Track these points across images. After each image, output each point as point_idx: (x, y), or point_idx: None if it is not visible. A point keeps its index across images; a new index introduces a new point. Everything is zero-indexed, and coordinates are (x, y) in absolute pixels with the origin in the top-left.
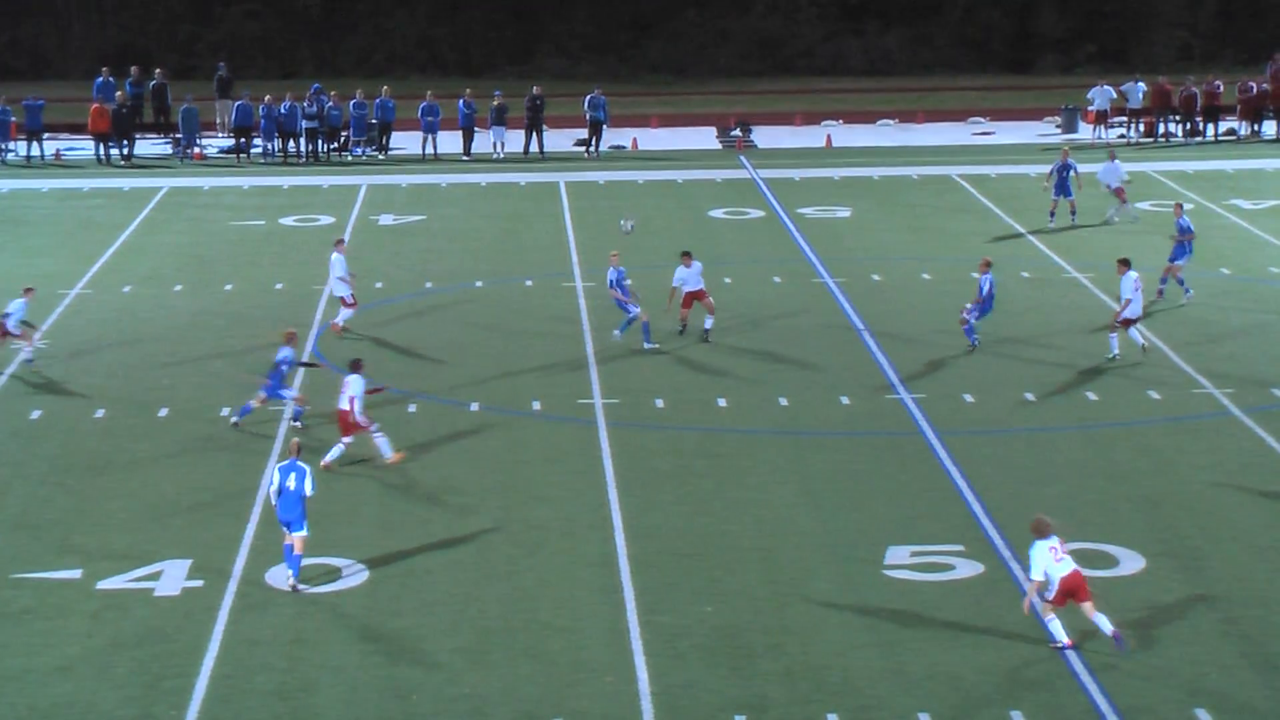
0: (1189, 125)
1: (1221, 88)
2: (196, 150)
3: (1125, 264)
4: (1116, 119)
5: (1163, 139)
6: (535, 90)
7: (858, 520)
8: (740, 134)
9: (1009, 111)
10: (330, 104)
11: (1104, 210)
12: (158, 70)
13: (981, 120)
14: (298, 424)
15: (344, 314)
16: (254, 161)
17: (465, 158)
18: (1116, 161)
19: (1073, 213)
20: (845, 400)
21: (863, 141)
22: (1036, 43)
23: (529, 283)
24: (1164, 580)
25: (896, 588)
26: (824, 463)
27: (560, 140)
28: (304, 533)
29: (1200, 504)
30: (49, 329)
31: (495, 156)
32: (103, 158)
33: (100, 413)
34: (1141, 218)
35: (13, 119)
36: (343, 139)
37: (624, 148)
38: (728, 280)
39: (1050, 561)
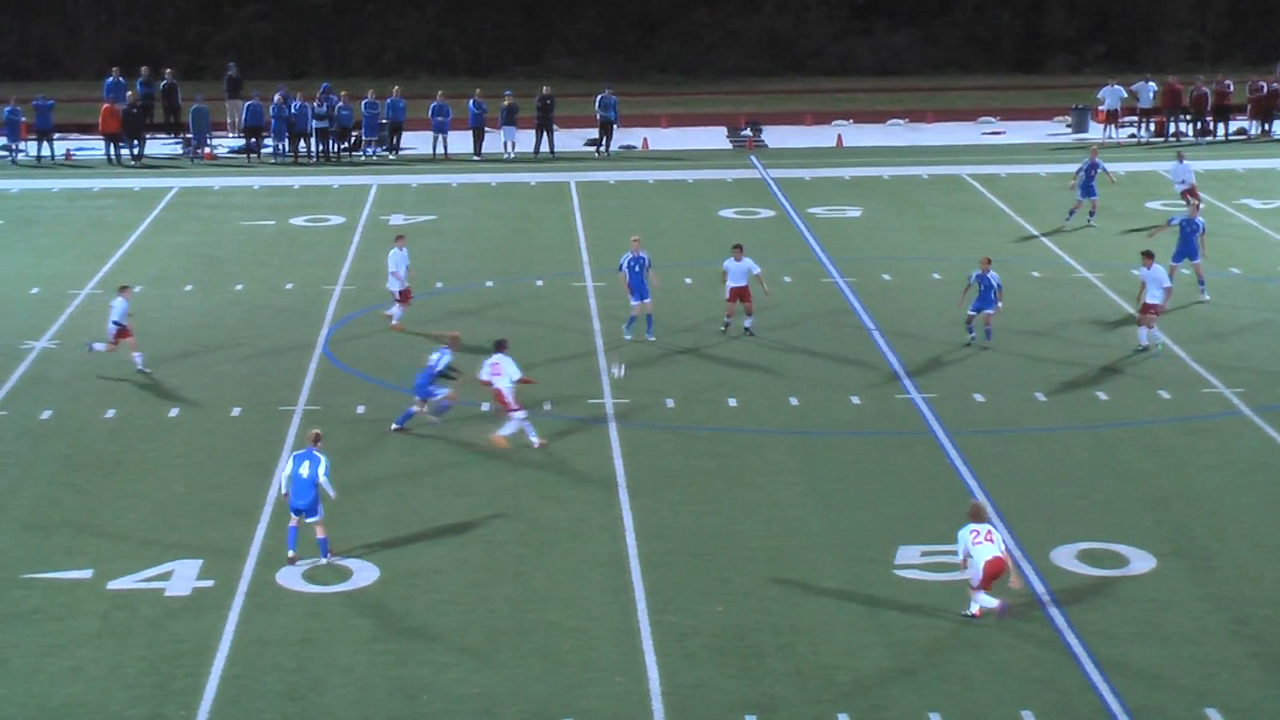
0: (1199, 125)
1: (1232, 87)
2: (207, 150)
3: (1149, 257)
4: (1127, 119)
5: (1173, 138)
6: (545, 90)
7: (868, 520)
8: (750, 134)
9: (1019, 111)
10: (340, 104)
11: (1117, 209)
12: (168, 70)
13: (991, 120)
14: (435, 420)
15: (397, 311)
16: (264, 161)
17: (475, 158)
18: (1185, 162)
19: (1091, 214)
20: (855, 400)
21: (873, 141)
22: (1046, 42)
23: (539, 283)
24: (1174, 580)
25: (907, 587)
26: (834, 462)
27: (570, 140)
28: (320, 516)
29: (1210, 503)
30: (59, 329)
31: (505, 156)
32: (113, 158)
33: (110, 412)
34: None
35: (23, 119)
36: (354, 139)
37: (634, 147)
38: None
39: (969, 543)
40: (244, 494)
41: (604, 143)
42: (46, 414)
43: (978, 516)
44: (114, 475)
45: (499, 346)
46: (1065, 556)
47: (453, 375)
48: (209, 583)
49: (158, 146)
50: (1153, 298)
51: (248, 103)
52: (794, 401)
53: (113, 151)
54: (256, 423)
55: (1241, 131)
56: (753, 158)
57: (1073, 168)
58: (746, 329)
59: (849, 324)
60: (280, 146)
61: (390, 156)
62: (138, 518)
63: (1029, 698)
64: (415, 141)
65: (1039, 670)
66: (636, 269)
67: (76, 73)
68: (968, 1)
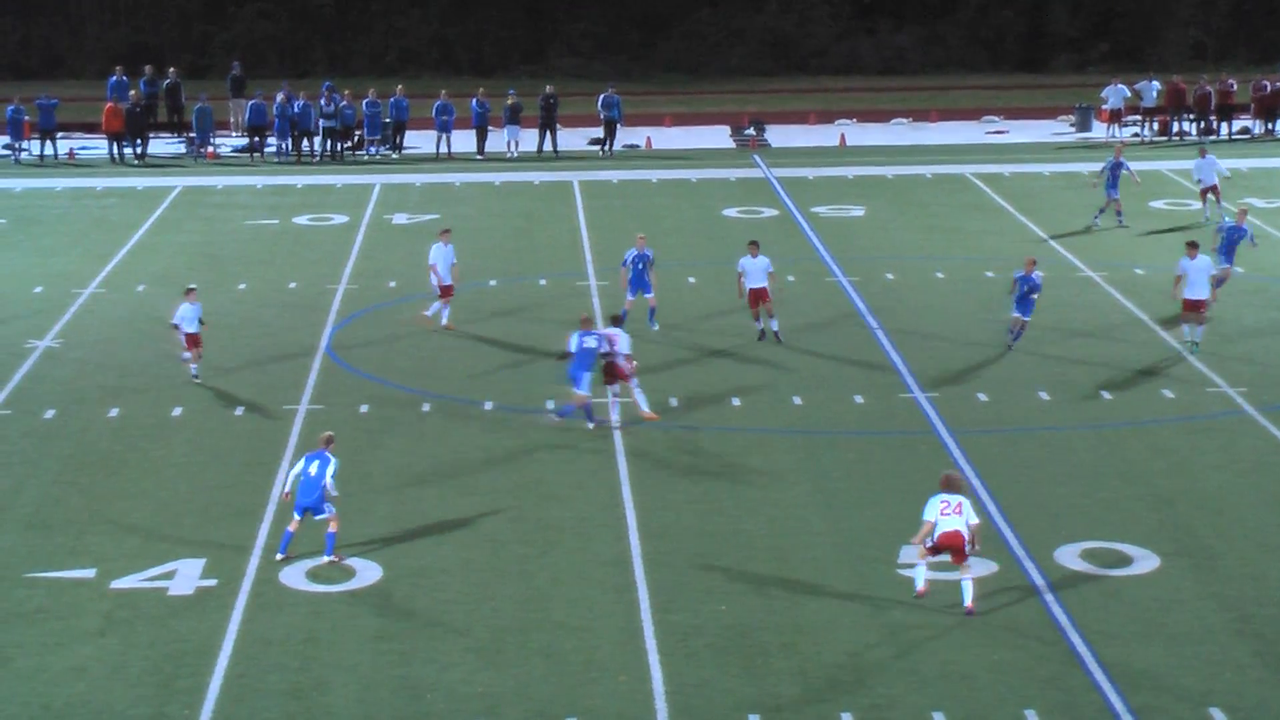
0: (1203, 124)
1: (1235, 86)
2: (210, 149)
3: (1194, 247)
4: (1130, 118)
5: (1177, 137)
6: (549, 89)
7: (871, 519)
8: (754, 133)
9: (1023, 110)
10: (344, 103)
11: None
12: (171, 70)
13: (995, 119)
14: (558, 419)
15: (443, 309)
16: (267, 161)
17: (479, 157)
18: (1211, 156)
19: (1119, 213)
20: (859, 399)
21: (876, 140)
22: (1050, 42)
23: (543, 282)
24: (1178, 579)
25: (910, 587)
26: (837, 462)
27: (574, 139)
28: (330, 513)
29: (1214, 503)
30: (62, 328)
31: (509, 156)
32: (116, 157)
33: (114, 412)
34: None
35: (26, 118)
36: (357, 138)
37: (638, 147)
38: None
39: (938, 512)
40: (247, 493)
41: (608, 142)
42: (50, 413)
43: (950, 486)
44: (117, 474)
45: (616, 321)
46: (1069, 555)
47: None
48: (213, 582)
49: (161, 146)
50: (1198, 293)
51: (251, 102)
52: (798, 401)
53: (116, 151)
54: (260, 422)
55: (1245, 131)
56: (756, 157)
57: (1077, 167)
58: (775, 333)
59: (853, 323)
60: (283, 146)
61: (393, 156)
62: (141, 517)
63: (1032, 697)
64: (418, 141)
65: (1042, 669)
66: (640, 266)
67: (80, 72)
68: (971, 1)
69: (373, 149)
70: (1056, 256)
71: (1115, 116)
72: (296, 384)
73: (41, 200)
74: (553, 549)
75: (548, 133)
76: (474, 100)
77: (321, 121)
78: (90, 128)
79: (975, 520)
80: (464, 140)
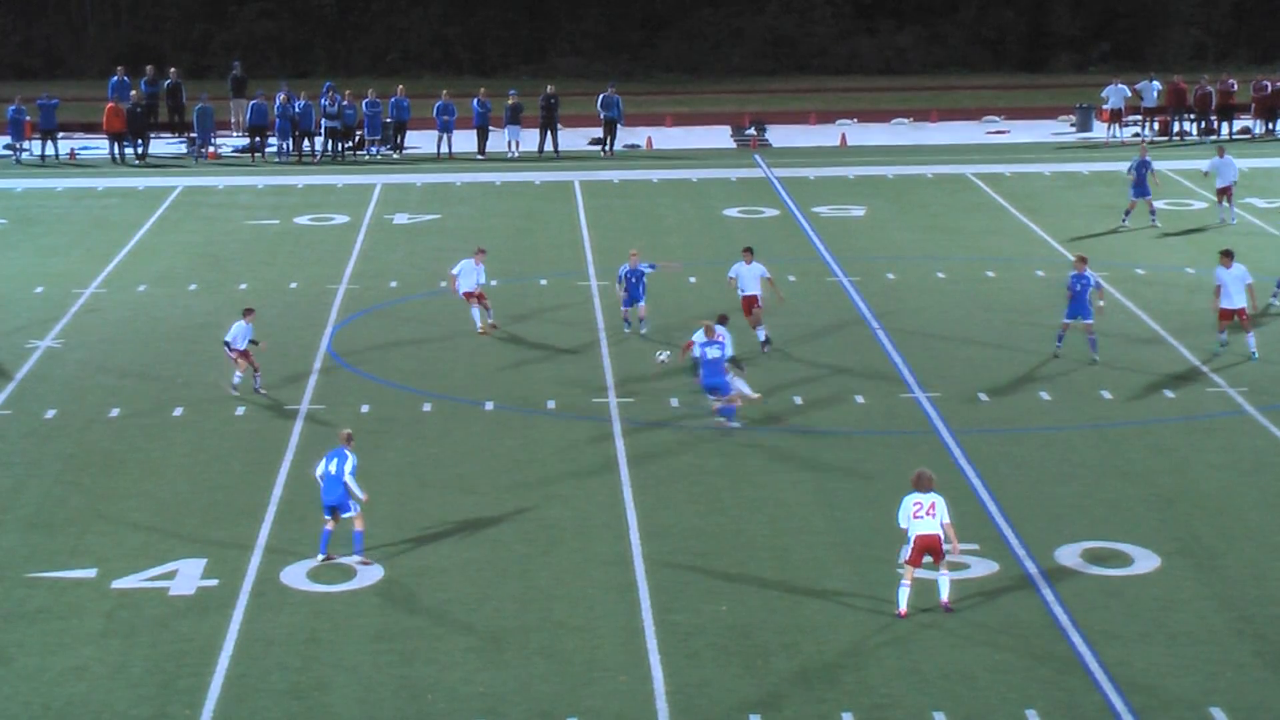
0: (1204, 124)
1: (1236, 86)
2: (211, 149)
3: (1229, 256)
4: (1131, 117)
5: (1177, 137)
6: (550, 89)
7: (872, 519)
8: (755, 133)
9: (1023, 110)
10: (345, 103)
11: (1120, 208)
12: (172, 70)
13: (996, 119)
14: (732, 424)
15: (484, 312)
16: (268, 161)
17: (480, 157)
18: (1229, 156)
19: (1152, 213)
20: (860, 399)
21: (877, 140)
22: (1051, 41)
23: (543, 282)
24: (1178, 579)
25: (911, 586)
26: (838, 461)
27: (575, 139)
28: (355, 511)
29: (1215, 502)
30: (63, 328)
31: (510, 156)
32: (117, 157)
33: (115, 412)
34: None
35: (27, 118)
36: (358, 138)
37: (639, 147)
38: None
39: (909, 516)
40: (248, 493)
41: (608, 142)
42: (51, 413)
43: (922, 485)
44: (118, 474)
45: (722, 320)
46: (1070, 555)
47: (740, 364)
48: (214, 582)
49: (162, 146)
50: (1234, 301)
51: (252, 102)
52: (798, 400)
53: (117, 151)
54: (261, 422)
55: (1245, 131)
56: (757, 157)
57: (1077, 167)
58: (762, 342)
59: (853, 323)
60: (284, 146)
61: (394, 156)
62: (142, 517)
63: (1033, 696)
64: (419, 141)
65: (1043, 669)
66: (633, 280)
67: (81, 72)
68: (972, 1)
69: (374, 149)
70: (1057, 256)
71: (1116, 116)
72: (298, 384)
73: (42, 200)
74: (554, 549)
75: (548, 133)
76: (475, 100)
77: (323, 121)
78: (91, 128)
79: (947, 520)
80: (465, 140)
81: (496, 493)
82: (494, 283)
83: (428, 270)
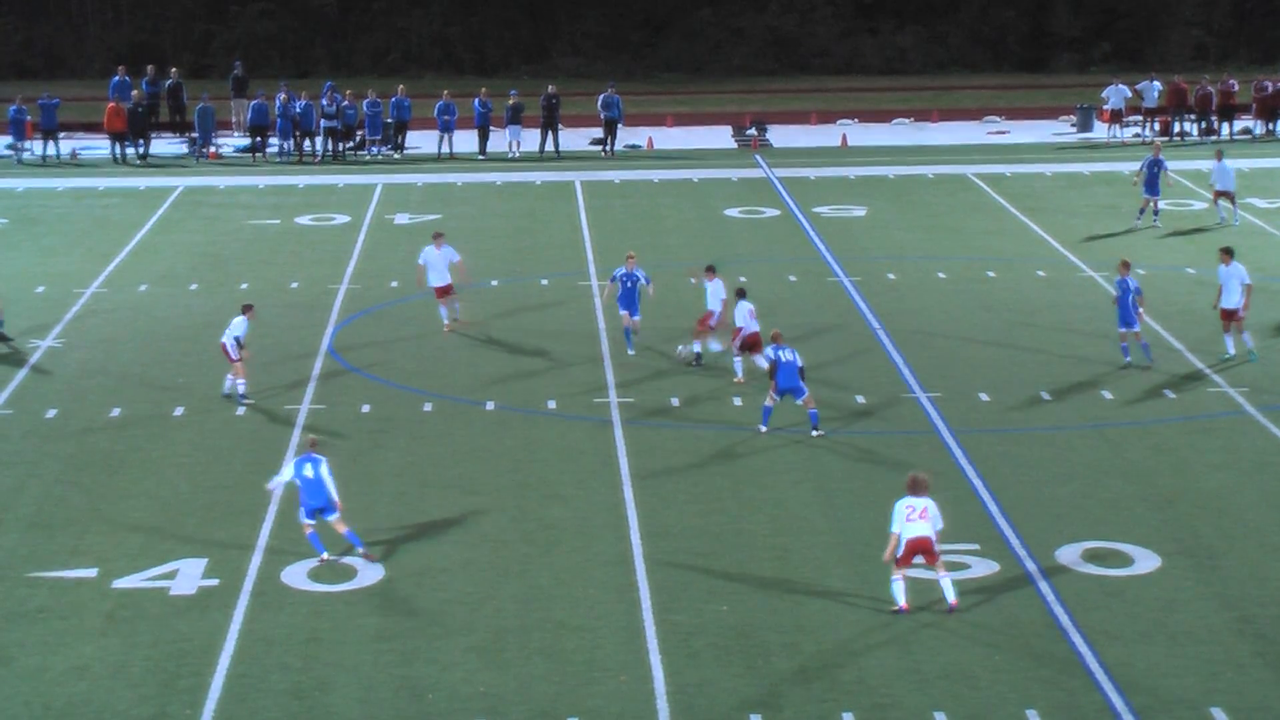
0: (1204, 124)
1: (1237, 86)
2: (212, 149)
3: (1229, 254)
4: (1132, 118)
5: (1178, 138)
6: (551, 89)
7: (873, 519)
8: (755, 133)
9: (1024, 110)
10: (345, 103)
11: (1123, 208)
12: (173, 70)
13: (997, 119)
14: (816, 432)
15: (441, 309)
16: (269, 160)
17: (481, 157)
18: (1225, 161)
19: (1155, 213)
20: (860, 399)
21: (878, 140)
22: (1051, 42)
23: (544, 282)
24: (1179, 579)
25: (912, 586)
26: (839, 461)
27: (576, 139)
28: (338, 514)
29: (1215, 503)
30: (64, 328)
31: (511, 156)
32: (118, 157)
33: (115, 412)
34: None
35: (28, 118)
36: (359, 138)
37: (639, 147)
38: (743, 279)
39: (902, 519)
40: (249, 493)
41: (609, 142)
42: (51, 413)
43: (917, 488)
44: (119, 474)
45: (740, 294)
46: (1070, 555)
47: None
48: (214, 581)
49: (163, 145)
50: (1232, 302)
51: (253, 102)
52: (799, 400)
53: (118, 150)
54: (261, 422)
55: (1246, 131)
56: (758, 157)
57: (1078, 167)
58: (697, 355)
59: (854, 323)
60: (285, 146)
61: (395, 156)
62: (143, 517)
63: (1034, 696)
64: (420, 141)
65: (1044, 669)
66: (629, 284)
67: (82, 72)
68: (973, 1)
69: (375, 149)
70: (1058, 257)
71: (1116, 117)
72: (298, 384)
73: (43, 200)
74: (554, 548)
75: (549, 133)
76: (476, 100)
77: (323, 121)
78: (92, 128)
79: (940, 525)
80: (466, 140)
81: (497, 493)
82: (495, 282)
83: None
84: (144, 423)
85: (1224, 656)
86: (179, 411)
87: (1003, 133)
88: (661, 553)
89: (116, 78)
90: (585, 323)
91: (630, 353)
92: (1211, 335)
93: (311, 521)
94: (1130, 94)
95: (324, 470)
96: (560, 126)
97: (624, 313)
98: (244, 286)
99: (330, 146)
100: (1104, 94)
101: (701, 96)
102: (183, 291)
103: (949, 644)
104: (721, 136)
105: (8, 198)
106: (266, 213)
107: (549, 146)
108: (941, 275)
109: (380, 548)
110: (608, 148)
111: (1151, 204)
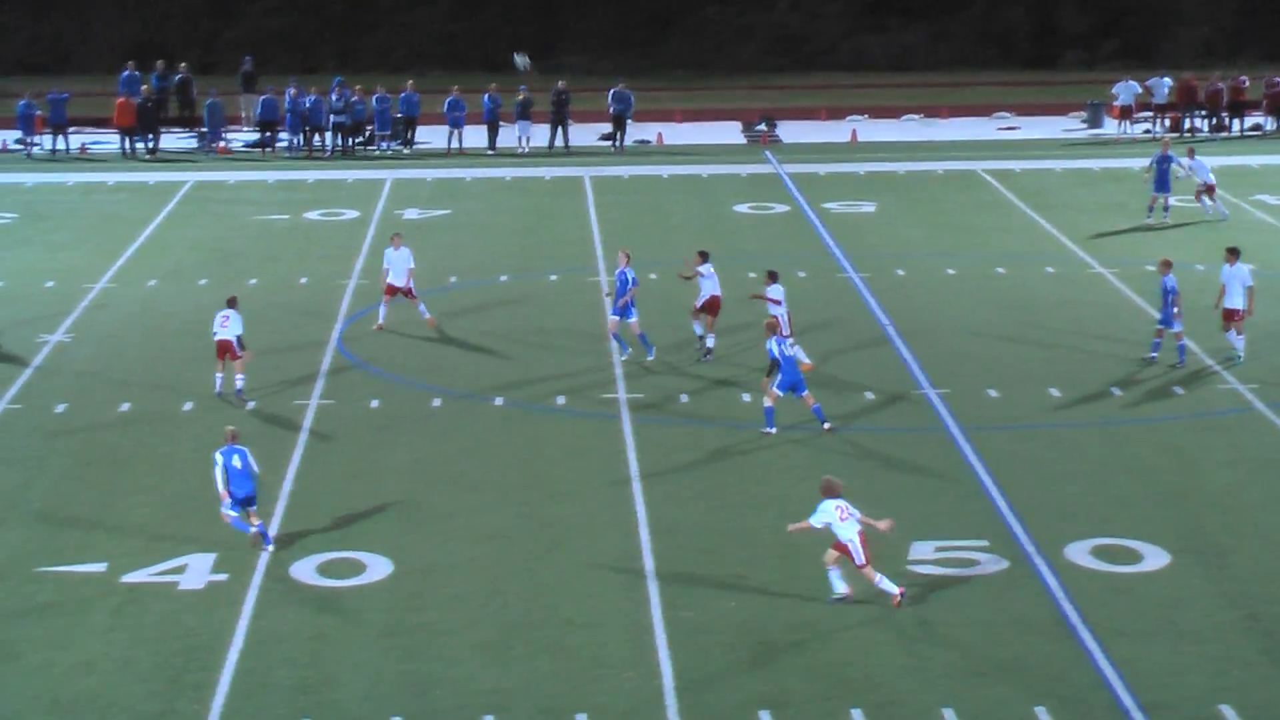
0: (1214, 120)
1: (1247, 83)
2: (221, 144)
3: (1234, 254)
4: (1142, 114)
5: (1188, 134)
6: (560, 85)
7: (881, 515)
8: (765, 129)
9: (1033, 107)
10: (354, 98)
11: (1130, 205)
12: (183, 65)
13: (1006, 115)
14: (825, 426)
15: (388, 310)
16: (278, 156)
17: (490, 152)
18: (1200, 158)
19: (1166, 209)
20: (869, 395)
21: (887, 136)
22: (1059, 38)
23: (553, 277)
24: (1187, 577)
25: (920, 583)
26: (847, 458)
27: (585, 135)
28: (255, 507)
29: (1223, 500)
30: (73, 323)
31: (520, 151)
32: (128, 152)
33: (124, 407)
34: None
35: (38, 113)
36: (368, 134)
37: (649, 142)
38: (752, 275)
39: (836, 519)
40: (258, 488)
41: (618, 138)
42: (60, 408)
43: (833, 492)
44: (127, 469)
45: (772, 278)
46: (1079, 553)
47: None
48: (222, 577)
49: (172, 141)
50: (1235, 302)
51: (262, 97)
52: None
53: (127, 145)
54: (270, 417)
55: (1257, 127)
56: (767, 153)
57: (1088, 163)
58: (708, 349)
59: (863, 320)
60: (295, 141)
61: (404, 151)
62: (151, 512)
63: (1042, 694)
64: (429, 136)
65: (1052, 666)
66: (620, 285)
67: (90, 67)
68: None
69: (384, 144)
70: (1067, 253)
71: (1126, 113)
72: (307, 379)
73: (53, 195)
74: (561, 545)
75: (559, 128)
76: (485, 95)
77: (332, 117)
78: (102, 122)
79: (861, 516)
80: (475, 135)
81: (504, 489)
82: (504, 278)
83: (437, 266)
84: (152, 418)
85: (1232, 654)
86: (187, 407)
87: (1012, 129)
88: (668, 549)
89: (126, 72)
90: (593, 319)
91: (623, 355)
92: (1218, 331)
93: (235, 512)
94: (1140, 90)
95: (250, 460)
96: (570, 122)
97: (613, 317)
98: (253, 282)
99: (339, 142)
100: (1114, 90)
101: (711, 93)
102: (191, 287)
103: (956, 641)
104: (731, 132)
105: (17, 193)
106: (275, 208)
107: (558, 142)
108: (950, 271)
109: (387, 544)
110: (617, 143)
111: (1162, 200)
